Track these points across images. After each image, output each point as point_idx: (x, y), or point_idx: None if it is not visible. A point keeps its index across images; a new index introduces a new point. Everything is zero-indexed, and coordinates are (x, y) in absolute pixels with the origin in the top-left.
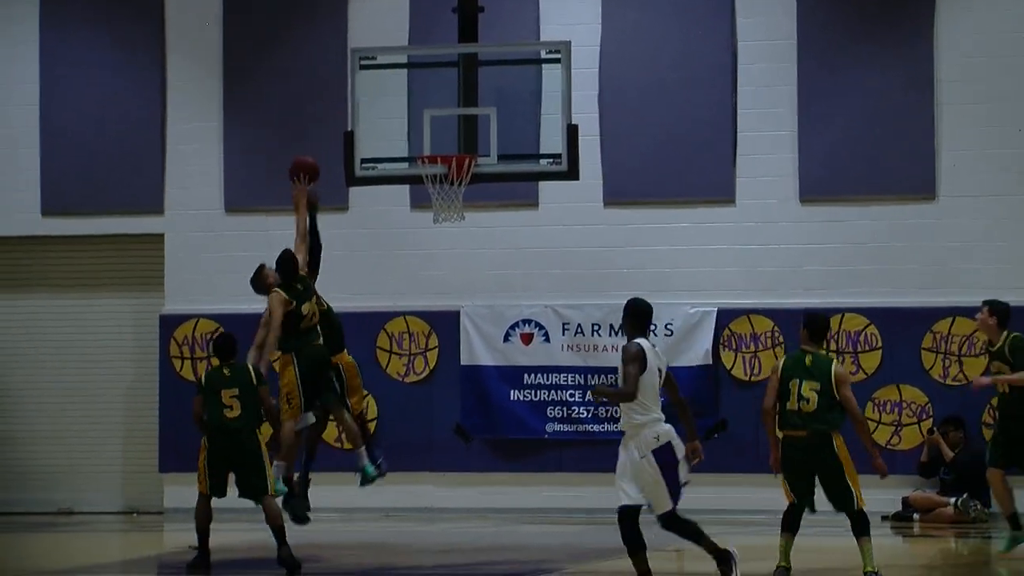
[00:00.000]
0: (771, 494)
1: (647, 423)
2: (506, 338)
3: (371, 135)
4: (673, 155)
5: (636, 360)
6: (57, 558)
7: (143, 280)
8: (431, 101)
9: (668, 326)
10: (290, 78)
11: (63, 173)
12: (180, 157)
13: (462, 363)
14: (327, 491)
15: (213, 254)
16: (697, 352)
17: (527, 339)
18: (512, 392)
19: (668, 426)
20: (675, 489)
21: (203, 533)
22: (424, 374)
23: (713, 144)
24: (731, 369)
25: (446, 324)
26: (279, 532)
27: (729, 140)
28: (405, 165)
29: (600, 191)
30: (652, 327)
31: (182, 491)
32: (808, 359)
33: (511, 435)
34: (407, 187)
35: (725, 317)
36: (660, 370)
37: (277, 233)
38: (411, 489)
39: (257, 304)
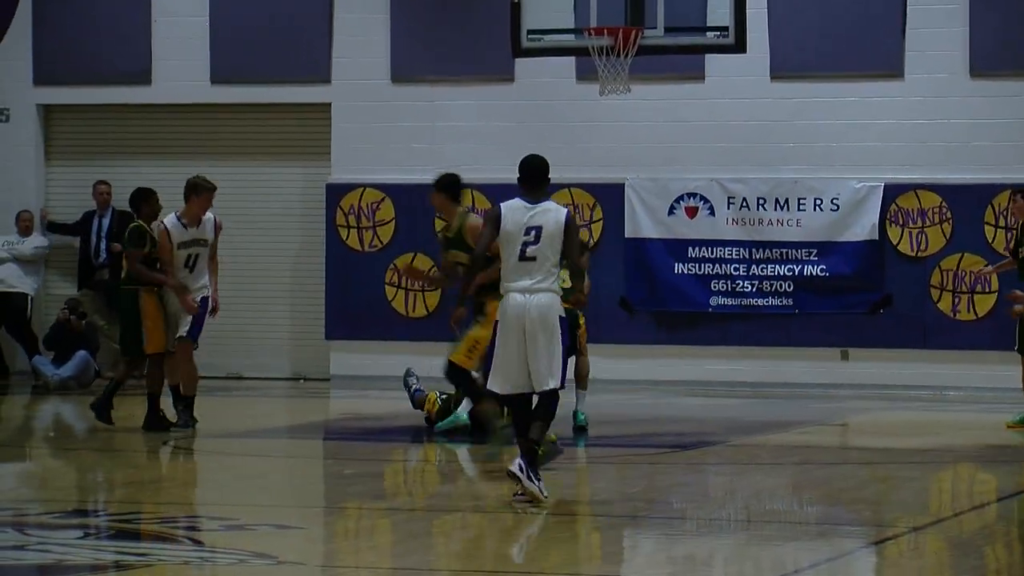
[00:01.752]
0: (935, 369)
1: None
2: (671, 211)
3: (537, 6)
4: (841, 28)
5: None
6: (227, 422)
7: (310, 149)
8: None
9: (834, 201)
10: None
11: (232, 42)
12: (347, 27)
13: (626, 235)
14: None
15: (379, 123)
16: (863, 227)
17: (692, 212)
18: (676, 265)
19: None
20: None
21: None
22: (589, 246)
23: (882, 17)
24: (897, 245)
25: (611, 196)
26: None
27: (899, 13)
28: (571, 36)
29: (767, 64)
30: (818, 201)
31: (348, 358)
32: None
33: (675, 308)
34: (573, 59)
35: (892, 192)
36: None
37: (442, 103)
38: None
39: (421, 175)
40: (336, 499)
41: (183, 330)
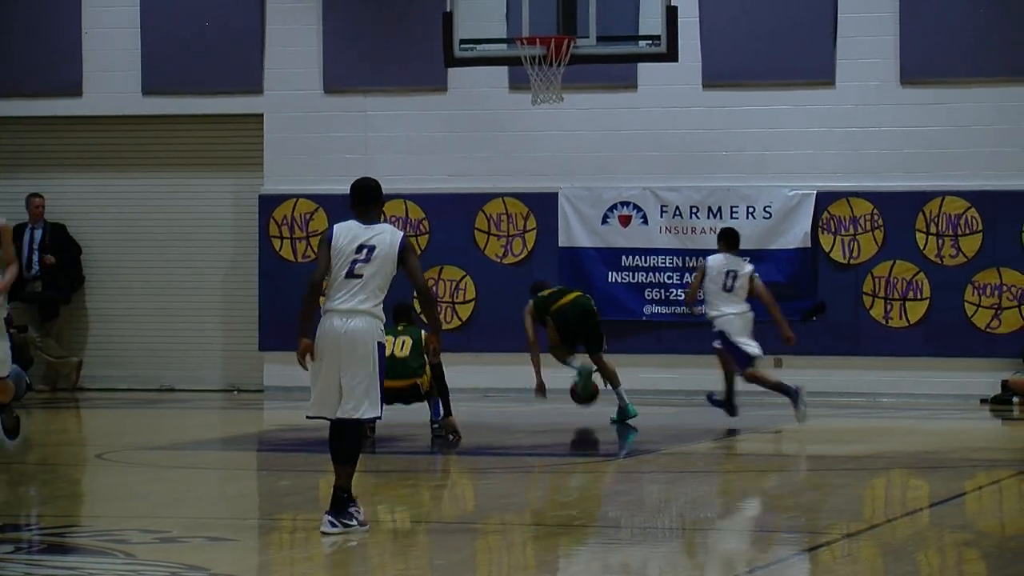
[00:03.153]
0: (868, 375)
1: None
2: (604, 220)
3: (470, 15)
4: (773, 36)
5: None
6: (160, 434)
7: (243, 160)
8: None
9: (767, 209)
10: None
11: (164, 53)
12: (279, 37)
13: (560, 245)
14: None
15: (312, 134)
16: (796, 235)
17: (625, 221)
18: (610, 274)
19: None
20: None
21: None
22: (522, 255)
23: (814, 25)
24: (830, 252)
25: (544, 205)
26: None
27: (830, 21)
28: (504, 46)
29: (699, 73)
30: (750, 209)
31: (282, 369)
32: None
33: (609, 316)
34: (505, 68)
35: (824, 200)
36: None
37: (375, 114)
38: (509, 370)
39: None
40: (270, 511)
41: None
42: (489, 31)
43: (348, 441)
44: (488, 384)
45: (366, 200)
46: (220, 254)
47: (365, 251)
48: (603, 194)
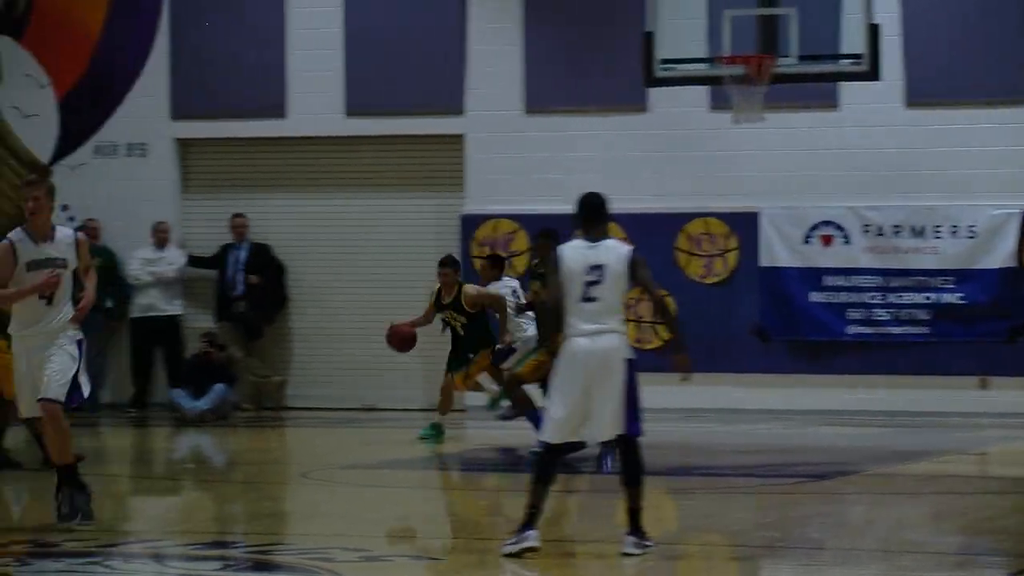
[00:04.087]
0: None
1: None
2: (806, 240)
3: (670, 35)
4: (976, 55)
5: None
6: (362, 453)
7: (444, 180)
8: (731, 0)
9: (971, 228)
10: None
11: (367, 74)
12: (481, 58)
13: (761, 264)
14: None
15: (513, 154)
16: (1001, 254)
17: (827, 241)
18: (812, 293)
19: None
20: None
21: None
22: (723, 275)
23: (1016, 43)
24: None
25: (746, 225)
26: None
27: None
28: (704, 66)
29: (902, 91)
30: (954, 228)
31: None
32: None
33: (810, 336)
34: (706, 88)
35: None
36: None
37: (575, 133)
38: (711, 390)
39: (555, 205)
40: (472, 531)
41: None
42: (690, 50)
43: (633, 462)
44: (690, 404)
45: (594, 216)
46: (421, 274)
47: (596, 272)
48: (805, 213)
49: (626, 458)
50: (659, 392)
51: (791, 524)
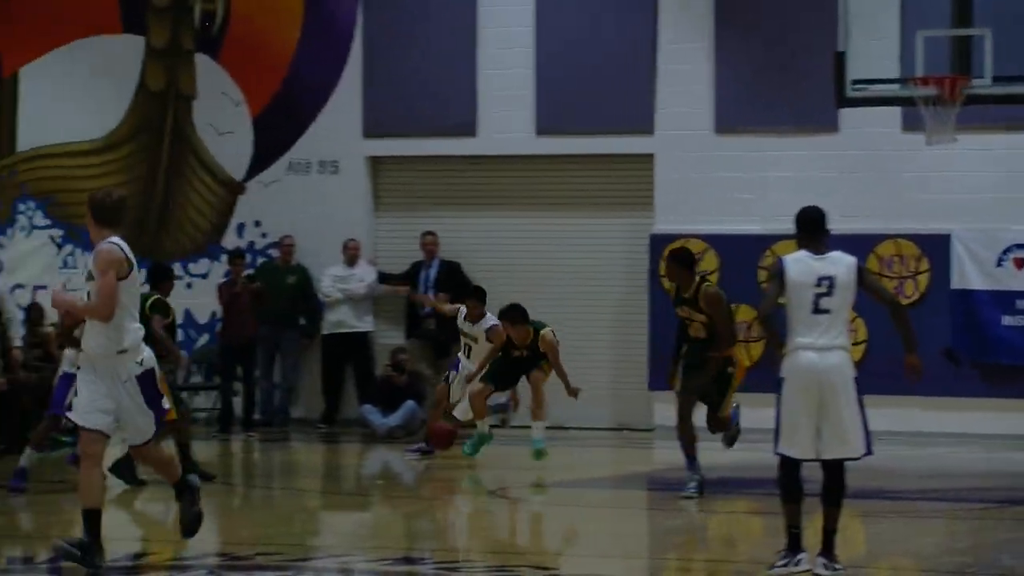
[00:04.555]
0: None
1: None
2: (999, 263)
3: (862, 55)
4: None
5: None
6: (551, 472)
7: (634, 200)
8: (924, 20)
9: None
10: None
11: (557, 94)
12: (671, 77)
13: (952, 287)
14: None
15: (703, 174)
16: None
17: (1021, 264)
18: (1004, 317)
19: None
20: None
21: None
22: (914, 297)
23: None
24: None
25: (937, 247)
26: None
27: None
28: (896, 86)
29: None
30: None
31: (670, 409)
32: None
33: (1003, 360)
34: (898, 108)
35: None
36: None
37: (766, 154)
38: (898, 412)
39: (745, 225)
40: (658, 551)
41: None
42: (882, 71)
43: (837, 482)
44: (880, 427)
45: (815, 229)
46: (611, 293)
47: (826, 283)
48: (998, 236)
49: (833, 477)
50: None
51: (983, 550)
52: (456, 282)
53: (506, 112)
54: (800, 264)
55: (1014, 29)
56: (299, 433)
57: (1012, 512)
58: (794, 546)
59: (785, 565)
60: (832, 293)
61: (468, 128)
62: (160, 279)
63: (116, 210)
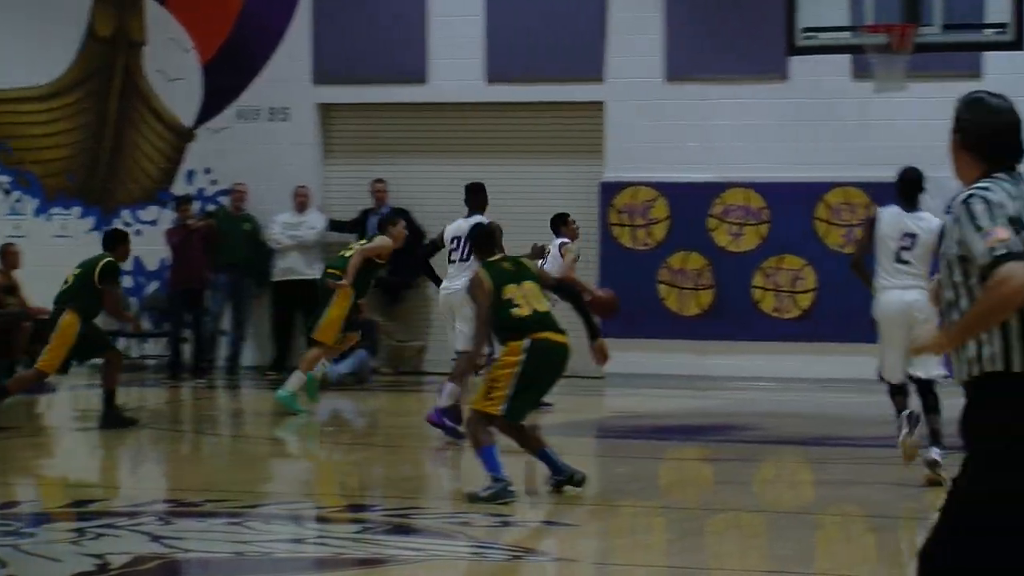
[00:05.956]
0: None
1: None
2: (948, 210)
3: (812, 3)
4: None
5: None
6: None
7: (583, 147)
8: None
9: None
10: None
11: (507, 41)
12: (621, 25)
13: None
14: (764, 360)
15: (653, 122)
16: None
17: None
18: None
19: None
20: None
21: None
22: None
23: None
24: None
25: (885, 195)
26: None
27: None
28: (846, 34)
29: None
30: None
31: (621, 356)
32: None
33: None
34: (848, 56)
35: None
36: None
37: (715, 102)
38: (849, 360)
39: (695, 174)
40: (608, 497)
41: None
42: (831, 19)
43: (935, 395)
44: (829, 374)
45: (910, 189)
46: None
47: (910, 239)
48: (945, 183)
49: (929, 392)
50: (796, 361)
51: (933, 494)
52: (406, 229)
53: (456, 60)
54: (891, 217)
55: None
56: (249, 380)
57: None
58: (907, 417)
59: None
60: (912, 248)
61: (418, 76)
62: (117, 242)
63: None
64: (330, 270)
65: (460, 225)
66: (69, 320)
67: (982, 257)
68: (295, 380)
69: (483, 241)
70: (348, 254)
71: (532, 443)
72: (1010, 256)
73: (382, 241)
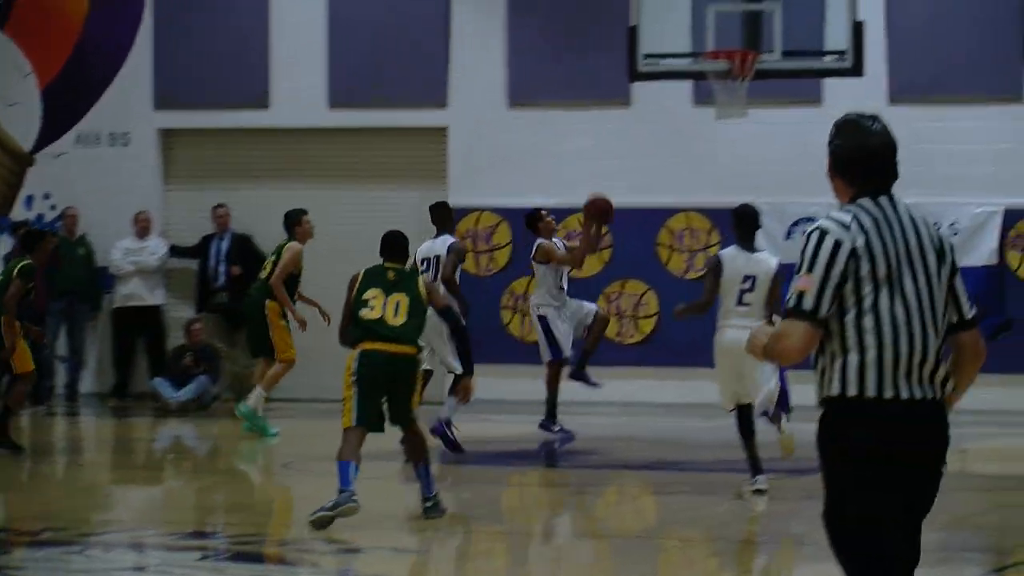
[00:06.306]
0: None
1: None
2: (788, 235)
3: (654, 29)
4: (960, 51)
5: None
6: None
7: (427, 172)
8: None
9: (953, 226)
10: None
11: (349, 66)
12: (465, 50)
13: None
14: (606, 384)
15: (496, 147)
16: (983, 252)
17: None
18: (790, 289)
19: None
20: None
21: None
22: (705, 271)
23: (1001, 41)
24: (1016, 269)
25: (728, 220)
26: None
27: (1019, 36)
28: (688, 60)
29: (885, 88)
30: (936, 225)
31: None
32: None
33: None
34: (690, 83)
35: (1012, 217)
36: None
37: (559, 127)
38: (689, 385)
39: (539, 199)
40: (454, 523)
41: None
42: (674, 45)
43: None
44: (670, 400)
45: (749, 226)
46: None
47: (750, 281)
48: (787, 209)
49: (749, 418)
50: (637, 387)
51: (773, 518)
52: (248, 255)
53: (298, 85)
54: (733, 260)
55: (803, 4)
56: (89, 407)
57: (802, 482)
58: (756, 470)
59: (754, 484)
60: (754, 289)
61: (260, 100)
62: (35, 242)
63: None
64: (265, 298)
65: (431, 246)
66: None
67: (786, 299)
68: (255, 396)
69: (382, 246)
70: (264, 275)
71: (415, 456)
72: (795, 312)
73: (292, 253)
